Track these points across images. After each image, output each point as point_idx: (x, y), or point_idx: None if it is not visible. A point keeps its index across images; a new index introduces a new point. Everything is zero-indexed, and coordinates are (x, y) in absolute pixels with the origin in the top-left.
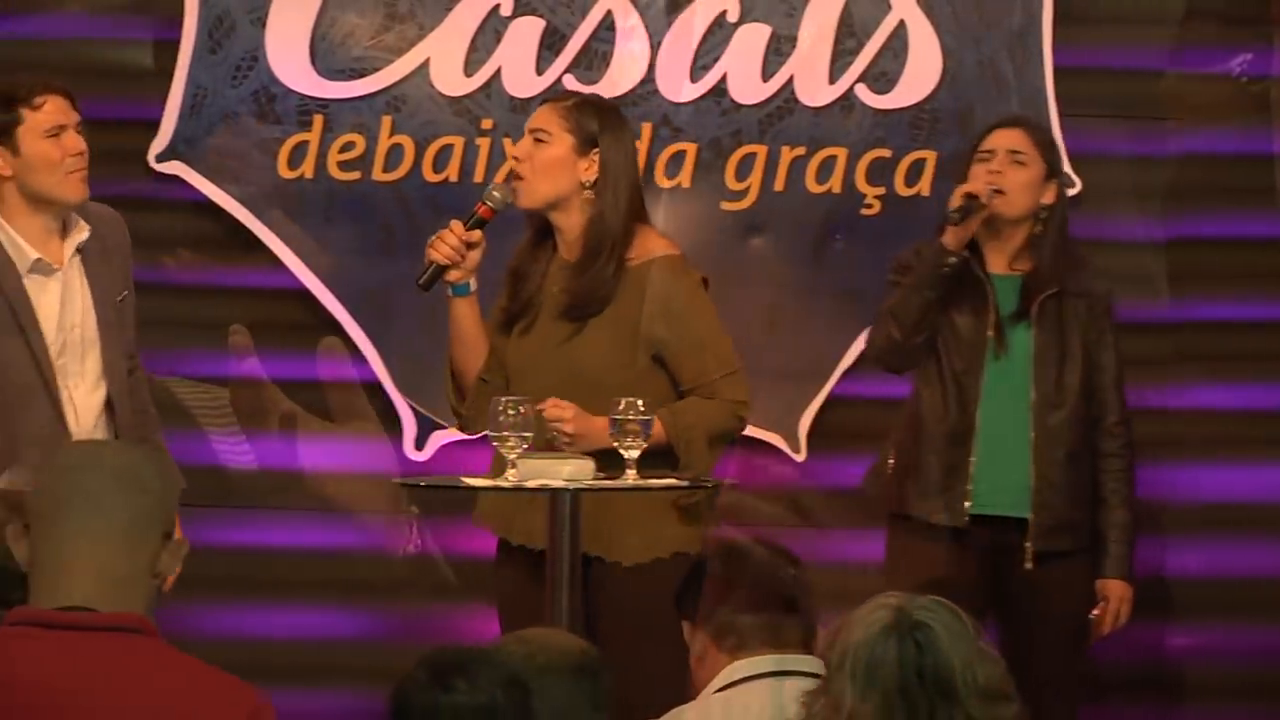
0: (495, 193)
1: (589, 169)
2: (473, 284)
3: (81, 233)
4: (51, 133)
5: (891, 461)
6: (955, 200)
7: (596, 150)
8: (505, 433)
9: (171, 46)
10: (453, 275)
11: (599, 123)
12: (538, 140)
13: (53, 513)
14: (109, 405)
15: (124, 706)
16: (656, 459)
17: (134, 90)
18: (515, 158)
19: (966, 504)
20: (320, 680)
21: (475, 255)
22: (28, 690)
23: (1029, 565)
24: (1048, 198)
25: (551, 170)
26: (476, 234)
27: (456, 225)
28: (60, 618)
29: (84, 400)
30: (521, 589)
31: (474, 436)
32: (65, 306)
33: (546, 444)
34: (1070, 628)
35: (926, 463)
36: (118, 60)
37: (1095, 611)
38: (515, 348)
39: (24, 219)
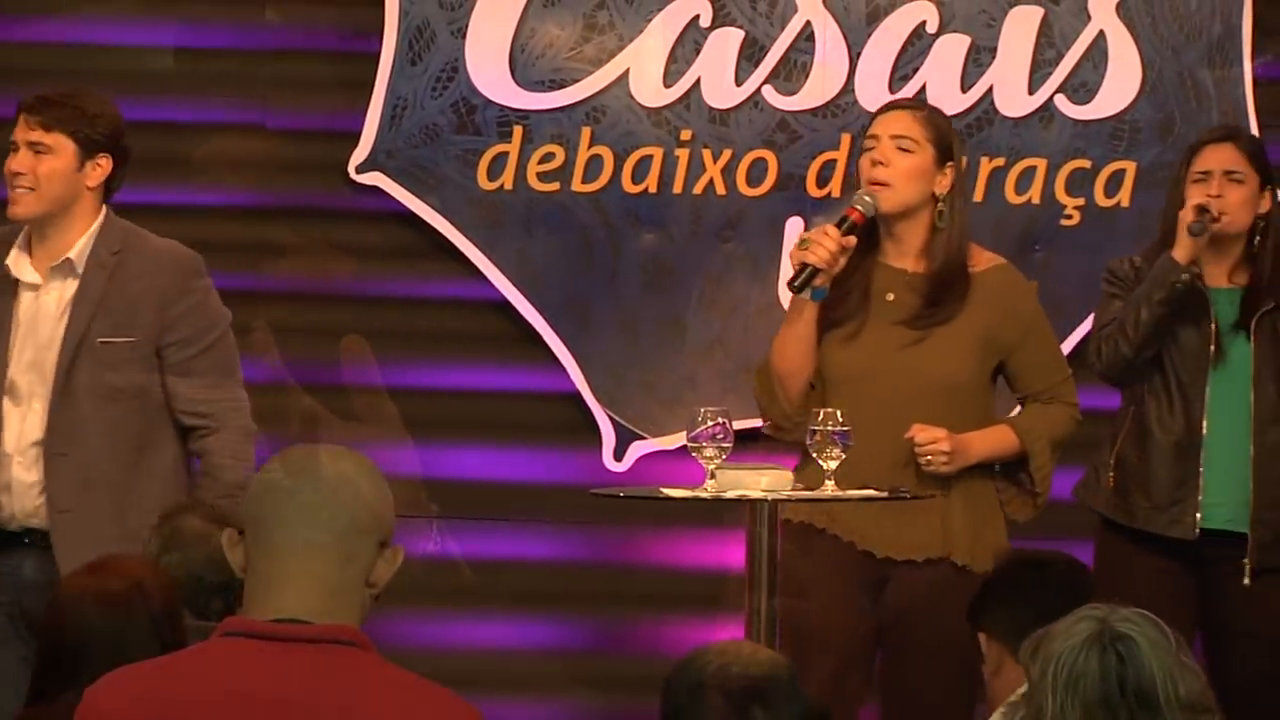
0: (866, 197)
1: (943, 181)
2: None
3: (67, 252)
4: (14, 147)
5: (1112, 474)
6: (1190, 215)
7: (951, 164)
8: (703, 442)
9: (371, 58)
10: (819, 279)
11: (952, 135)
12: (903, 149)
13: (268, 520)
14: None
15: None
16: (1009, 467)
17: (334, 102)
18: (878, 162)
19: (1198, 515)
20: (518, 691)
21: (843, 260)
22: (241, 702)
23: (1247, 581)
24: (1263, 208)
25: (915, 178)
26: (851, 239)
27: (833, 230)
28: (274, 629)
29: (18, 425)
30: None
31: (791, 440)
32: (34, 325)
33: (912, 470)
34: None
35: (1155, 475)
36: (318, 71)
37: None
38: (838, 355)
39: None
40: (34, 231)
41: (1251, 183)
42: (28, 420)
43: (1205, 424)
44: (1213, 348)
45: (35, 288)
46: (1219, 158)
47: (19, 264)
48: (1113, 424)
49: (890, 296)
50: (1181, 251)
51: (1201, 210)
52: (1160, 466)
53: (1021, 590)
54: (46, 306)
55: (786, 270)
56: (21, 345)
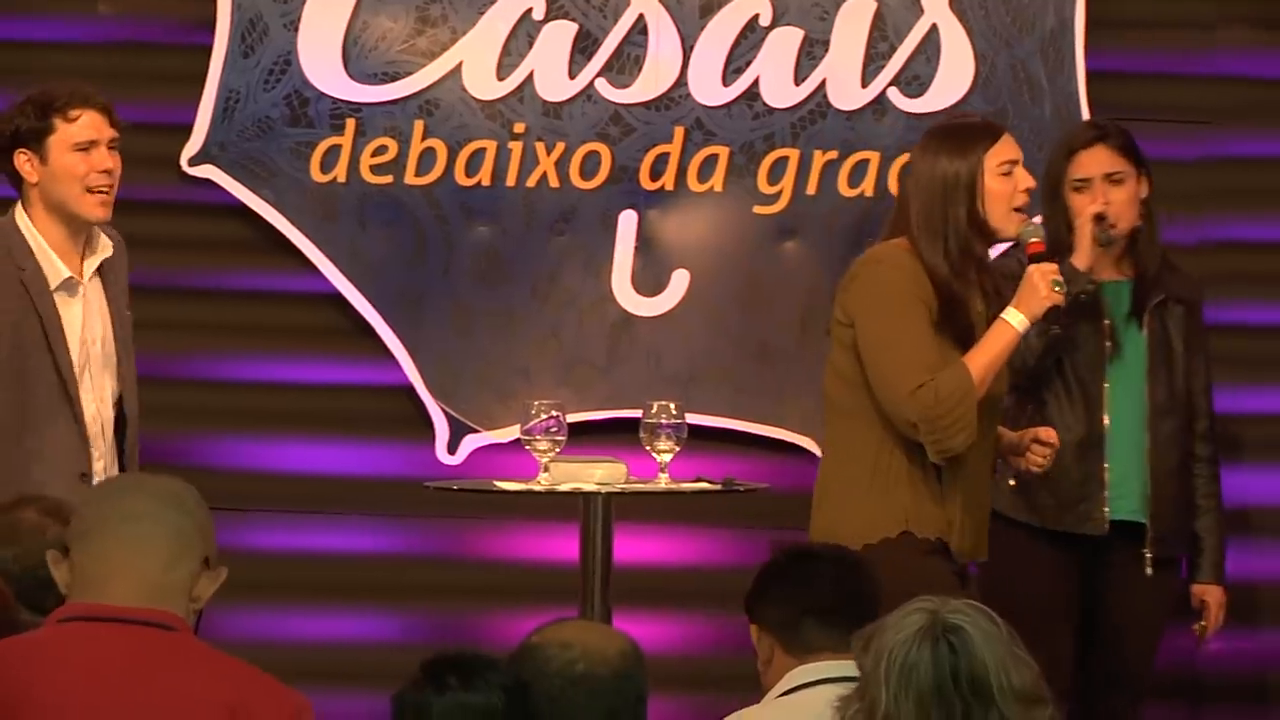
0: (1032, 226)
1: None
2: None
3: (106, 250)
4: (81, 146)
5: (1013, 477)
6: (1090, 226)
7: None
8: (536, 435)
9: (203, 50)
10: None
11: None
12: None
13: (94, 530)
14: (122, 421)
15: (169, 701)
16: None
17: (166, 94)
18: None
19: (1106, 510)
20: (350, 684)
21: None
22: (74, 681)
23: (1150, 571)
24: (1143, 192)
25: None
26: None
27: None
28: (102, 610)
29: (103, 416)
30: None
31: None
32: (87, 322)
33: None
34: (1157, 631)
35: (1061, 474)
36: (149, 64)
37: (1202, 622)
38: None
39: (49, 229)
40: (82, 232)
41: (1131, 178)
42: (103, 412)
43: (1106, 419)
44: (1109, 343)
45: (78, 285)
46: (1095, 162)
47: (70, 264)
48: (1010, 425)
49: (979, 308)
50: (1083, 259)
51: (1100, 218)
52: (1065, 466)
53: (792, 583)
54: (92, 303)
55: (622, 263)
56: (82, 343)
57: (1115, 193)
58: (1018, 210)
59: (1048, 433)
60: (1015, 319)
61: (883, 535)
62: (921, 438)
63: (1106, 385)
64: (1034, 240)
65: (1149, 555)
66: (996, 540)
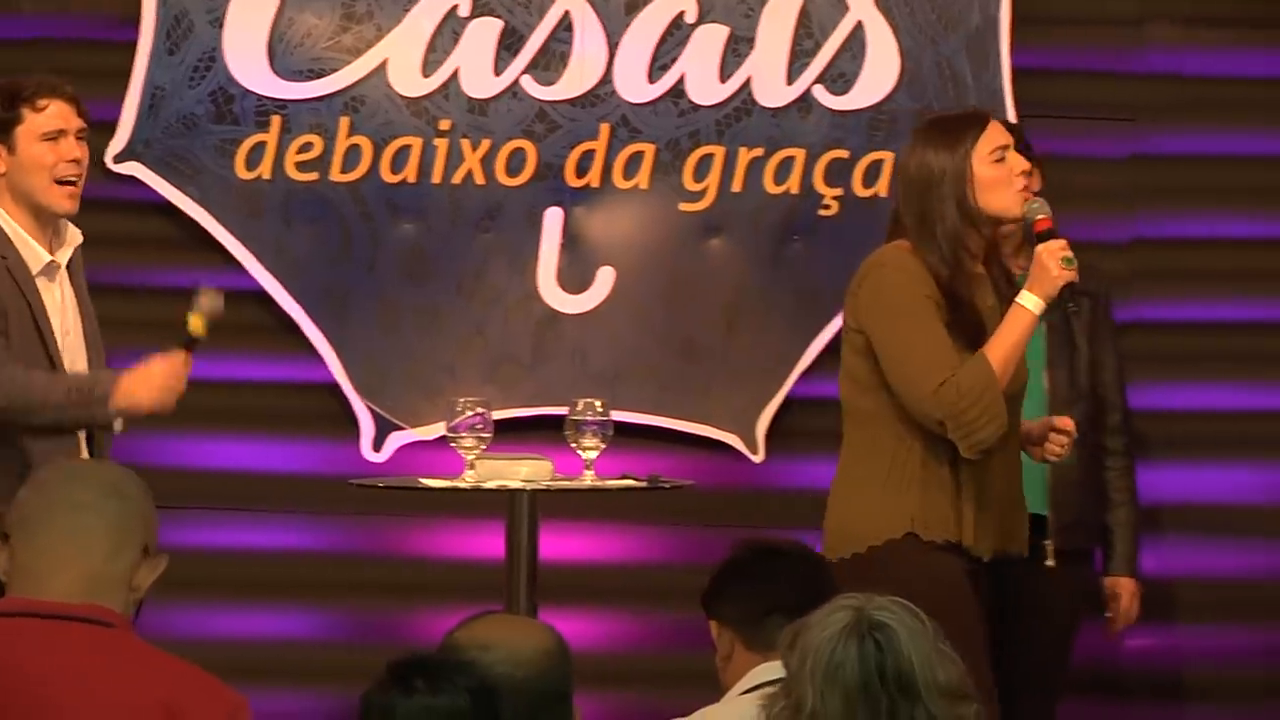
0: (1036, 204)
1: None
2: None
3: (75, 239)
4: (49, 136)
5: None
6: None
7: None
8: (462, 433)
9: (128, 47)
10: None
11: None
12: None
13: (35, 520)
14: None
15: (105, 700)
16: None
17: (91, 92)
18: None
19: None
20: (276, 681)
21: None
22: (9, 678)
23: (1050, 563)
24: (1036, 185)
25: None
26: None
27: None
28: (41, 606)
29: None
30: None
31: (431, 438)
32: (64, 310)
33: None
34: (1070, 625)
35: None
36: (74, 61)
37: (1109, 613)
38: None
39: (19, 219)
40: (50, 223)
41: (1036, 173)
42: None
43: None
44: None
45: (57, 269)
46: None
47: (42, 249)
48: None
49: (990, 302)
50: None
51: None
52: None
53: (754, 579)
54: (66, 292)
55: (547, 261)
56: (65, 329)
57: (1033, 183)
58: (1020, 192)
59: (1064, 421)
60: (1030, 301)
61: (888, 537)
62: (951, 435)
63: None
64: (1041, 217)
65: (1049, 545)
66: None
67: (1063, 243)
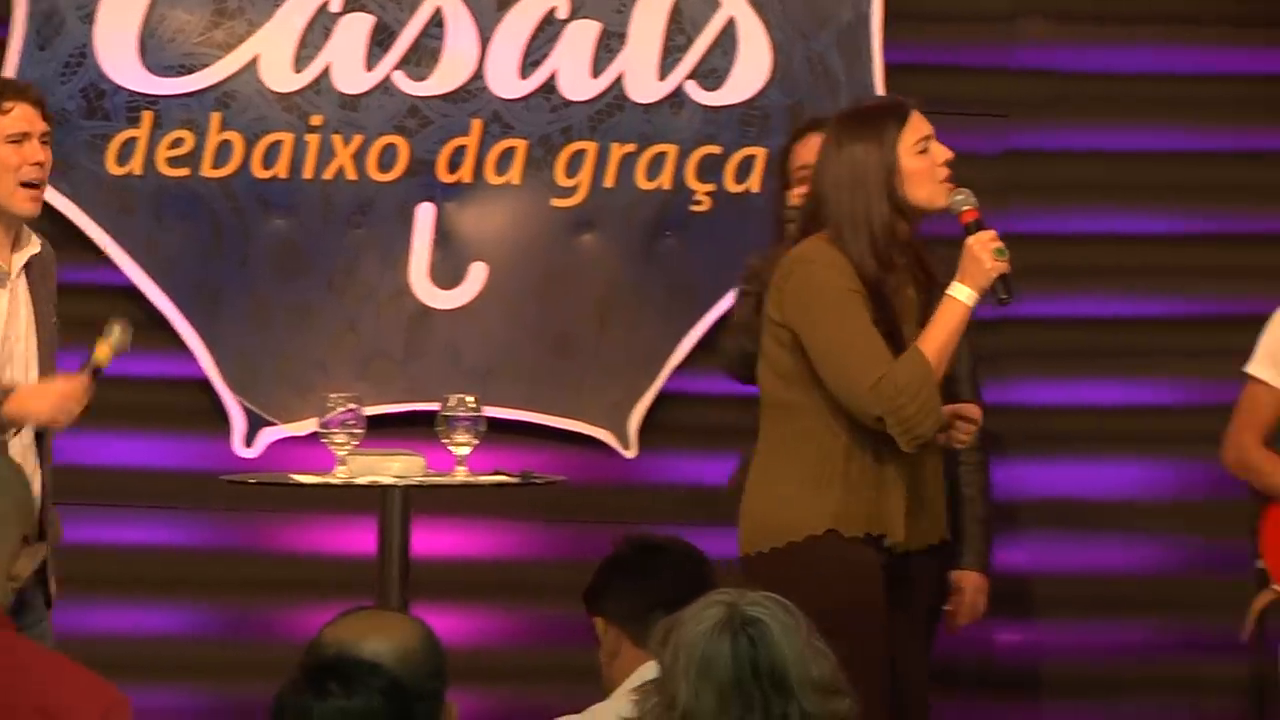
0: (960, 195)
1: None
2: None
3: (34, 247)
4: (14, 139)
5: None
6: (792, 200)
7: None
8: (334, 429)
9: None
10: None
11: None
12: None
13: None
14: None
15: None
16: None
17: None
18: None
19: None
20: (147, 677)
21: None
22: None
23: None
24: None
25: None
26: None
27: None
28: None
29: None
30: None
31: (303, 434)
32: (10, 319)
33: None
34: (929, 620)
35: None
36: None
37: (948, 606)
38: None
39: None
40: (12, 227)
41: None
42: None
43: None
44: None
45: (6, 277)
46: (809, 150)
47: (4, 261)
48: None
49: (910, 293)
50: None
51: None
52: None
53: (639, 575)
54: (18, 298)
55: (419, 256)
56: (10, 337)
57: None
58: (943, 183)
59: (971, 409)
60: (963, 294)
61: (808, 533)
62: (890, 430)
63: None
64: (966, 209)
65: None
66: None
67: (993, 233)
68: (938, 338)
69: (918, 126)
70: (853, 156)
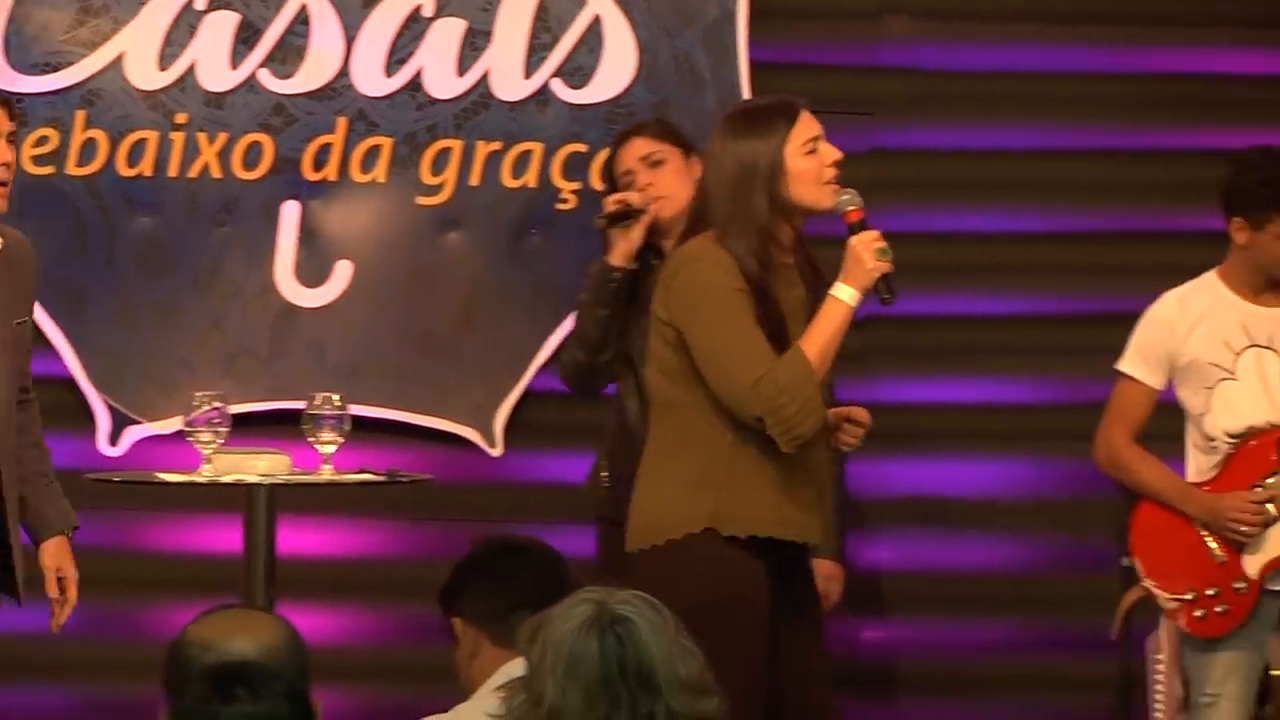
0: (846, 195)
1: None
2: None
3: None
4: None
5: (605, 474)
6: (608, 207)
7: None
8: (199, 427)
9: None
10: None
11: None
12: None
13: None
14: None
15: None
16: None
17: None
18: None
19: None
20: (17, 676)
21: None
22: None
23: None
24: (696, 173)
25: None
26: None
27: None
28: None
29: None
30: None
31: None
32: None
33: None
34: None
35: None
36: None
37: None
38: None
39: None
40: None
41: (674, 159)
42: None
43: None
44: None
45: None
46: (632, 153)
47: None
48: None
49: (797, 292)
50: (615, 254)
51: (624, 204)
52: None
53: (498, 576)
54: None
55: (285, 254)
56: None
57: (657, 174)
58: (829, 184)
59: (859, 412)
60: (845, 294)
61: (686, 531)
62: (770, 430)
63: None
64: (851, 209)
65: None
66: (605, 541)
67: (876, 234)
68: (820, 338)
69: (807, 126)
70: (738, 154)
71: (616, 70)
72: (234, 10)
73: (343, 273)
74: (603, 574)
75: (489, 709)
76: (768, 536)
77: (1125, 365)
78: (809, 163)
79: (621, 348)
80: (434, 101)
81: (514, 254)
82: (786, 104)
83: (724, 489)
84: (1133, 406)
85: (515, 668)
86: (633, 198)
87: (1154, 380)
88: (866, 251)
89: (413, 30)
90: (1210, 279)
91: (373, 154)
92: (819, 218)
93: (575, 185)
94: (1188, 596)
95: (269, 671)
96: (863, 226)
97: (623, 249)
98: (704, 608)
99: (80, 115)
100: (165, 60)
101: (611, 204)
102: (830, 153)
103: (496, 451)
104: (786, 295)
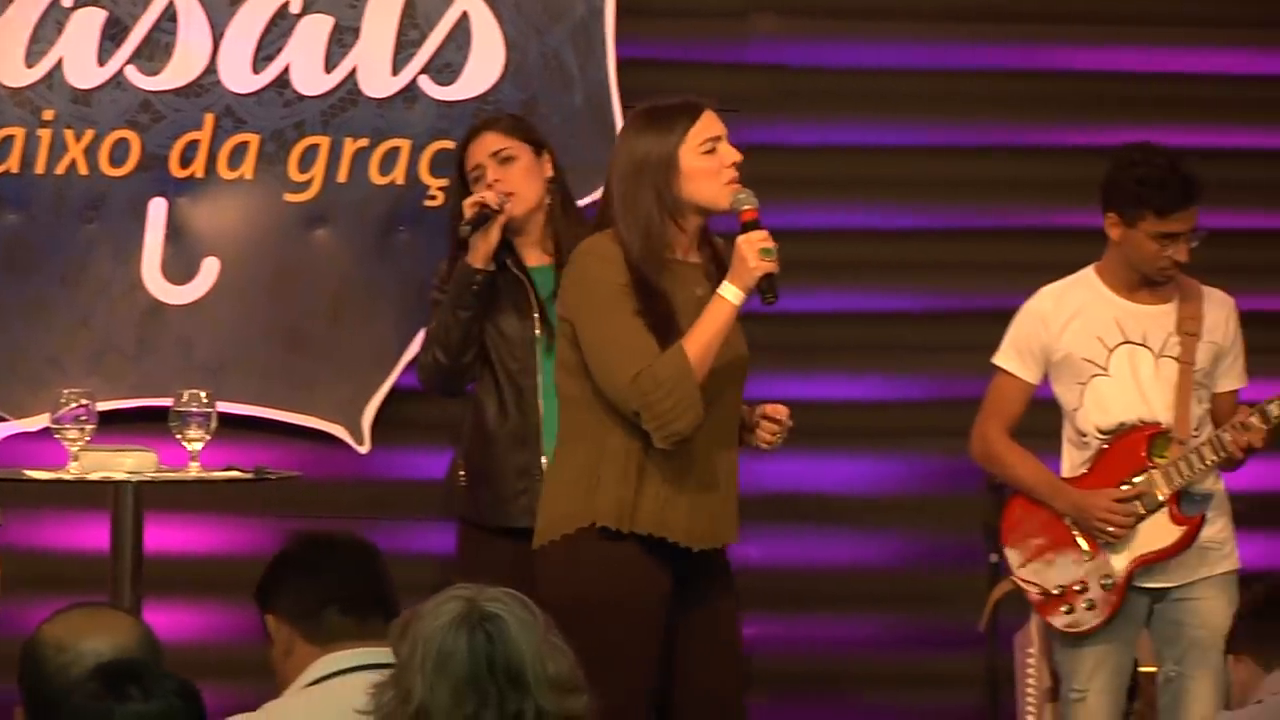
0: (743, 194)
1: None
2: None
3: None
4: None
5: (463, 474)
6: (467, 212)
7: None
8: (66, 424)
9: None
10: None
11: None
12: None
13: None
14: None
15: None
16: None
17: None
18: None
19: None
20: None
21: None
22: None
23: None
24: (547, 171)
25: None
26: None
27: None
28: None
29: None
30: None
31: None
32: None
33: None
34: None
35: (498, 469)
36: None
37: None
38: None
39: None
40: None
41: (524, 154)
42: None
43: (541, 408)
44: (538, 330)
45: None
46: (482, 148)
47: None
48: (454, 426)
49: (699, 292)
50: (475, 255)
51: (481, 206)
52: (502, 461)
53: (309, 572)
54: None
55: (152, 251)
56: None
57: (506, 171)
58: (729, 184)
59: (776, 409)
60: (729, 292)
61: (577, 526)
62: (645, 425)
63: (539, 374)
64: (746, 209)
65: None
66: (465, 541)
67: (763, 234)
68: (701, 336)
69: (707, 126)
70: (633, 150)
71: (484, 67)
72: (101, 7)
73: (210, 269)
74: (464, 574)
75: (306, 707)
76: (664, 535)
77: (1000, 359)
78: (706, 162)
79: (480, 348)
80: (301, 98)
81: (382, 251)
82: (690, 104)
83: (617, 486)
84: (1007, 401)
85: (329, 663)
86: (489, 197)
87: (1029, 374)
88: (751, 251)
89: (280, 27)
90: (1088, 275)
91: (240, 151)
92: (722, 217)
93: (443, 182)
94: (1055, 592)
95: (161, 671)
96: (755, 226)
97: (482, 251)
98: (590, 603)
99: None
100: (32, 57)
101: (470, 207)
102: (730, 153)
103: (364, 448)
104: (683, 293)
